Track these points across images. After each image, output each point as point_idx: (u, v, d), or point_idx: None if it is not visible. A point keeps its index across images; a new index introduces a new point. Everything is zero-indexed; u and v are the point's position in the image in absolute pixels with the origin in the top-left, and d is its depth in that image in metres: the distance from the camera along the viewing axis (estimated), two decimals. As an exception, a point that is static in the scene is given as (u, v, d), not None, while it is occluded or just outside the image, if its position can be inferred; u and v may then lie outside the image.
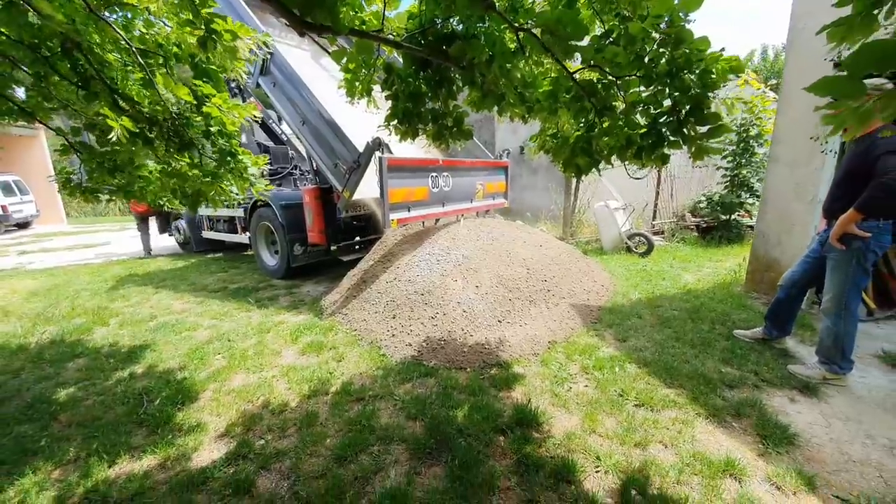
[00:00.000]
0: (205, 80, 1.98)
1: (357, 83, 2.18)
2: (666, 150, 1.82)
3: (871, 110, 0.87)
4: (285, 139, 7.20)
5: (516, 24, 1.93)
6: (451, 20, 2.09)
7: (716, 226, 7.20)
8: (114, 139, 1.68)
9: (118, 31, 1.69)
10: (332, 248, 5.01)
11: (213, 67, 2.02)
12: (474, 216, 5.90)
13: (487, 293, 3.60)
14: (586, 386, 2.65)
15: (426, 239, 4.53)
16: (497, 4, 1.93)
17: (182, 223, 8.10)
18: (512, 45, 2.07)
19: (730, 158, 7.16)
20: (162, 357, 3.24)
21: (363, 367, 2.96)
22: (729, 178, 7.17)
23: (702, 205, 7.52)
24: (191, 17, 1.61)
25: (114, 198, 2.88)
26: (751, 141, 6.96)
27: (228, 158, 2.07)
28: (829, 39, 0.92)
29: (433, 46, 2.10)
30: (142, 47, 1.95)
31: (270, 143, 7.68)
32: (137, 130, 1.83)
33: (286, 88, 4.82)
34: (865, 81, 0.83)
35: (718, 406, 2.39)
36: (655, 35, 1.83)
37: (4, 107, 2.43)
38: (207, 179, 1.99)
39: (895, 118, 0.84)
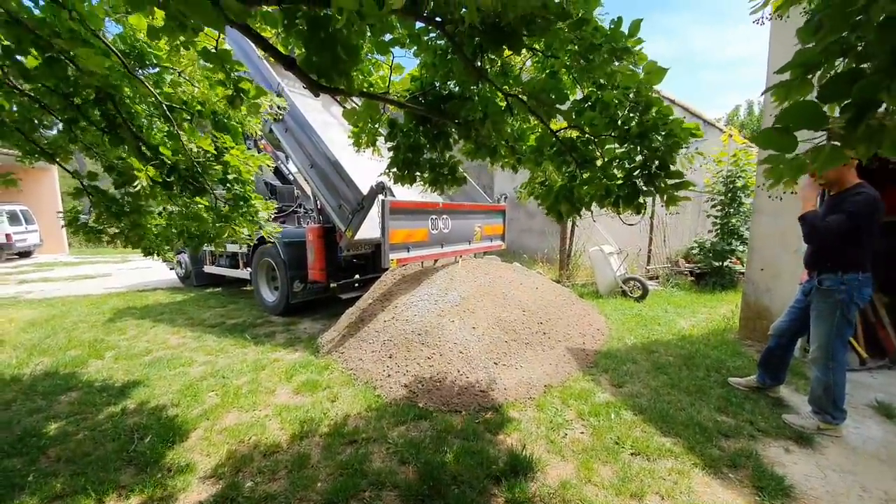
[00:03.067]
0: (224, 133, 2.16)
1: (363, 136, 2.38)
2: (641, 200, 1.97)
3: (804, 162, 1.01)
4: (292, 179, 7.49)
5: (505, 90, 2.16)
6: (449, 83, 2.32)
7: (709, 272, 7.32)
8: (138, 186, 1.81)
9: (149, 87, 1.88)
10: (332, 285, 5.08)
11: (234, 123, 2.21)
12: (472, 257, 6.04)
13: (483, 334, 3.64)
14: (582, 433, 2.64)
15: (424, 279, 4.62)
16: (489, 71, 2.16)
17: (184, 257, 8.19)
18: (503, 105, 2.28)
19: (719, 208, 7.43)
20: (155, 393, 3.22)
21: (357, 408, 2.95)
22: (719, 226, 7.40)
23: (694, 251, 7.68)
24: (222, 78, 1.80)
25: (114, 241, 3.01)
26: (738, 192, 7.25)
27: (241, 203, 2.21)
28: (773, 99, 1.08)
29: (432, 105, 2.31)
30: (168, 103, 2.15)
31: (277, 183, 7.97)
32: (160, 178, 1.98)
33: (297, 133, 5.12)
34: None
35: (715, 456, 2.37)
36: (626, 102, 2.05)
37: (28, 147, 2.61)
38: (221, 223, 2.11)
39: (829, 169, 0.97)
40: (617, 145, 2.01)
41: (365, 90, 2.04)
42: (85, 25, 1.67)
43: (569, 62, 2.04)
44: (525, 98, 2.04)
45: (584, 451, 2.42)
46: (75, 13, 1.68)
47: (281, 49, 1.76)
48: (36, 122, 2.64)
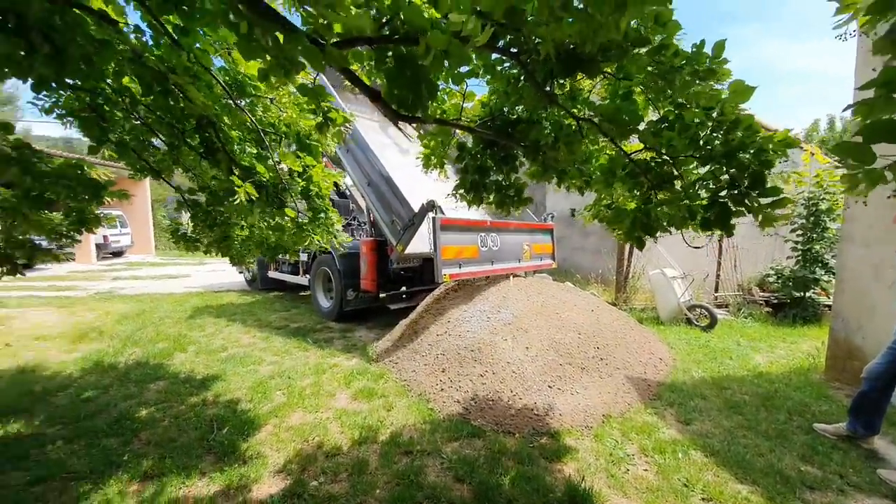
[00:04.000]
0: (306, 153, 2.38)
1: (433, 158, 2.50)
2: (733, 220, 1.88)
3: (881, 174, 0.99)
4: (348, 193, 7.94)
5: (575, 113, 2.17)
6: (517, 108, 2.37)
7: (788, 303, 6.65)
8: (237, 201, 2.04)
9: (248, 114, 2.12)
10: (382, 295, 5.35)
11: (315, 143, 2.43)
12: (524, 276, 6.00)
13: (537, 356, 3.58)
14: (646, 470, 2.50)
15: (477, 295, 4.65)
16: (559, 96, 2.19)
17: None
18: (573, 127, 2.30)
19: (799, 232, 6.76)
20: (230, 387, 3.51)
21: (411, 419, 3.01)
22: (801, 253, 6.73)
23: (771, 279, 7.03)
24: (313, 108, 2.00)
25: (209, 249, 3.37)
26: (821, 215, 6.57)
27: (321, 215, 2.41)
28: (856, 117, 1.03)
29: (500, 129, 2.38)
30: (261, 127, 2.40)
31: (335, 196, 8.48)
32: (255, 194, 2.22)
33: (356, 153, 5.49)
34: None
35: (799, 510, 2.15)
36: (709, 121, 1.99)
37: (139, 165, 3.02)
38: (300, 233, 2.31)
39: None
40: (699, 165, 1.95)
41: (438, 117, 2.16)
42: (200, 64, 1.93)
43: (644, 83, 2.02)
44: (597, 120, 2.04)
45: (649, 490, 2.29)
46: (192, 54, 1.94)
47: (366, 81, 1.92)
48: (146, 142, 3.04)
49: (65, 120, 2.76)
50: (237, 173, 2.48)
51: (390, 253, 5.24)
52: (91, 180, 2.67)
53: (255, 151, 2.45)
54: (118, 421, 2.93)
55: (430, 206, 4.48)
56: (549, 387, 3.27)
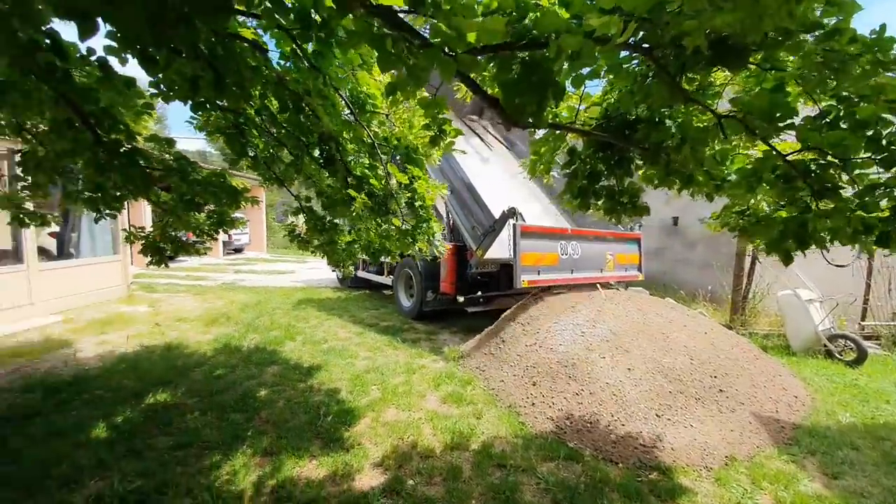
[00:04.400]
0: (413, 165, 2.47)
1: (539, 164, 2.42)
2: None
3: None
4: (429, 199, 8.18)
5: (715, 110, 1.92)
6: (638, 108, 2.18)
7: (979, 342, 5.19)
8: (354, 210, 2.19)
9: (366, 129, 2.27)
10: (460, 299, 5.49)
11: (420, 157, 2.52)
12: (616, 287, 5.59)
13: (641, 379, 3.26)
14: (783, 527, 2.11)
15: (568, 306, 4.42)
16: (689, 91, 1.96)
17: None
18: (706, 125, 2.05)
19: None
20: (332, 377, 3.80)
21: (502, 431, 2.94)
22: None
23: (952, 310, 5.56)
24: (428, 122, 2.08)
25: (316, 251, 3.68)
26: None
27: (423, 224, 2.49)
28: None
29: (616, 131, 2.21)
30: (378, 142, 2.55)
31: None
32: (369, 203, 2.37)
33: (441, 163, 5.62)
34: None
35: None
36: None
37: (268, 175, 3.40)
38: (404, 240, 2.41)
39: None
40: (880, 170, 1.60)
41: (552, 121, 2.08)
42: (332, 86, 2.10)
43: (802, 74, 1.72)
44: (741, 116, 1.78)
45: (792, 553, 1.93)
46: (328, 77, 2.12)
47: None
48: (275, 155, 3.43)
49: (213, 136, 3.24)
50: (352, 182, 2.68)
51: (469, 258, 5.40)
52: (232, 187, 3.09)
53: (367, 163, 2.62)
54: (243, 398, 3.33)
55: (511, 212, 4.54)
56: (657, 416, 2.95)
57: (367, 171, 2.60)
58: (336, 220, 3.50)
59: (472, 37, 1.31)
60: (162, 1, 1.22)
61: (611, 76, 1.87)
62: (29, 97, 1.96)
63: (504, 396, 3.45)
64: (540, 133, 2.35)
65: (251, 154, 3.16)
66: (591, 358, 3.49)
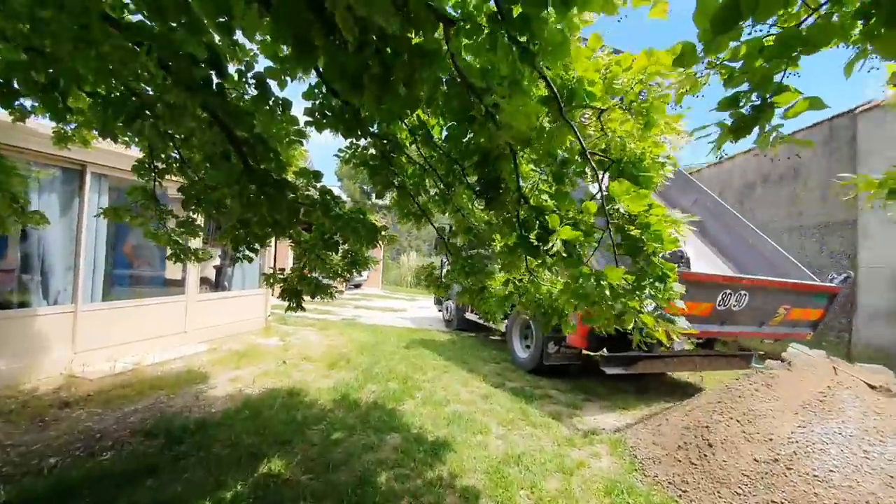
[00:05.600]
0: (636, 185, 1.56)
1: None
2: None
3: None
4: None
5: None
6: None
7: None
8: (553, 248, 1.39)
9: (576, 131, 1.48)
10: (594, 354, 4.62)
11: (648, 174, 1.62)
12: (831, 362, 3.93)
13: None
14: None
15: (814, 401, 2.88)
16: None
17: (451, 304, 9.24)
18: None
19: None
20: (463, 465, 2.94)
21: None
22: None
23: None
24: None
25: (462, 298, 3.01)
26: None
27: (654, 281, 1.49)
28: None
29: None
30: (590, 151, 1.75)
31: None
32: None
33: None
34: None
35: None
36: None
37: (407, 210, 2.89)
38: (620, 300, 1.48)
39: None
40: None
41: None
42: (539, 68, 1.38)
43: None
44: None
45: None
46: (535, 52, 1.43)
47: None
48: (420, 185, 2.93)
49: (358, 168, 2.88)
50: (525, 216, 1.91)
51: None
52: (371, 224, 2.63)
53: (551, 187, 1.84)
54: (360, 483, 2.65)
55: (677, 257, 3.82)
56: None
57: (550, 198, 1.81)
58: (486, 262, 2.79)
59: None
60: None
61: None
62: (173, 110, 1.69)
63: (736, 549, 2.14)
64: None
65: (396, 184, 2.69)
66: (909, 509, 1.99)
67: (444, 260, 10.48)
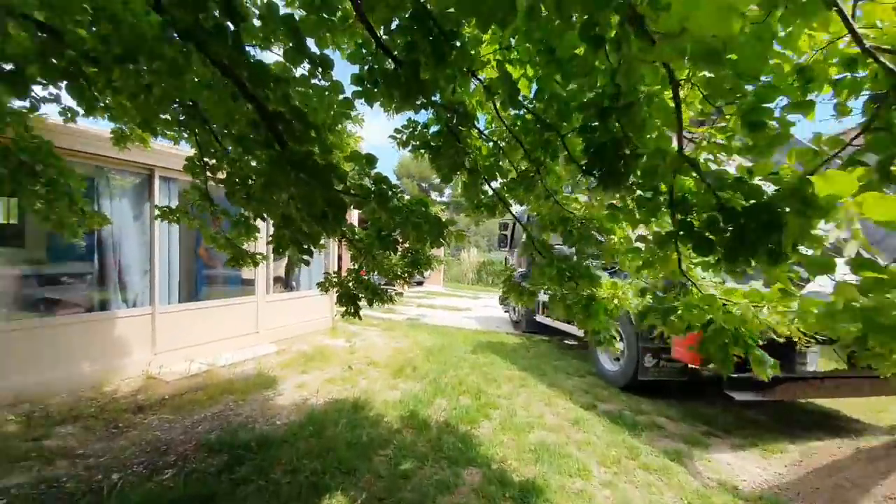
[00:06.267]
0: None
1: None
2: None
3: None
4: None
5: None
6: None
7: None
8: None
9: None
10: (696, 368, 3.83)
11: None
12: None
13: None
14: None
15: None
16: None
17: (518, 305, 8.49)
18: None
19: None
20: (564, 527, 2.30)
21: None
22: None
23: None
24: None
25: (559, 310, 2.38)
26: None
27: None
28: None
29: None
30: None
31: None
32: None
33: None
34: None
35: None
36: None
37: (486, 199, 2.31)
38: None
39: None
40: None
41: None
42: None
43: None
44: None
45: None
46: None
47: None
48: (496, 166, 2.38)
49: (417, 153, 2.38)
50: (677, 191, 1.23)
51: None
52: (437, 218, 2.09)
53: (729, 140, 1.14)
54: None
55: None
56: None
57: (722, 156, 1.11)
58: (590, 265, 2.12)
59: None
60: None
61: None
62: (177, 68, 1.28)
63: None
64: None
65: (466, 165, 2.12)
66: None
67: (509, 258, 9.78)
